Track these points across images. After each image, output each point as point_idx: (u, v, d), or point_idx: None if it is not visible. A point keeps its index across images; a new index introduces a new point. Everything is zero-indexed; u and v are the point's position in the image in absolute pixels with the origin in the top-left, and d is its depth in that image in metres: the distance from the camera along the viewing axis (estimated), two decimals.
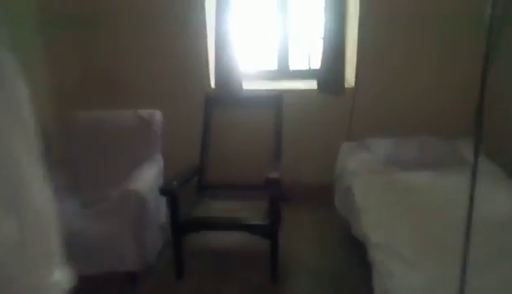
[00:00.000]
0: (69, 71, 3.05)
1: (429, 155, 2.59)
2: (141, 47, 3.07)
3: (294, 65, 3.35)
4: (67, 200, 2.44)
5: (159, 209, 2.53)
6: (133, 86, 3.12)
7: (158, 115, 2.71)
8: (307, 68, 3.36)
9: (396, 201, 2.11)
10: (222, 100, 2.93)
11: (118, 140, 2.65)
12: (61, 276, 1.04)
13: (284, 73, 3.32)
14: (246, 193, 2.57)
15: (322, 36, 2.96)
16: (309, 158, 3.14)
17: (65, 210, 2.34)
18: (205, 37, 3.04)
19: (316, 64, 3.13)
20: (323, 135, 3.10)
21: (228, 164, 2.74)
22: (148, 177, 2.43)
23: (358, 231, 2.16)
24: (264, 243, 2.18)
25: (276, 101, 2.77)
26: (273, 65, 3.34)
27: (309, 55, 3.34)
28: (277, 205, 2.17)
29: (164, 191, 2.11)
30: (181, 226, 2.20)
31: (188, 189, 2.46)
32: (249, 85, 3.12)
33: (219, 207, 2.41)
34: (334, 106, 3.05)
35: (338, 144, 2.92)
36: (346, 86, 3.06)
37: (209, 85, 3.13)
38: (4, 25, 2.15)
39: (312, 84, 3.11)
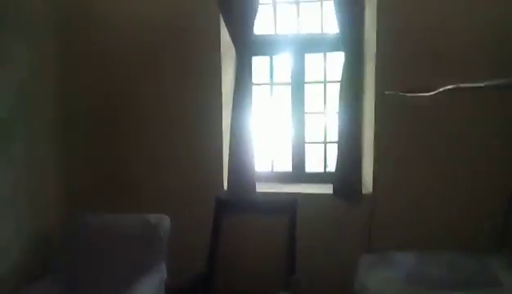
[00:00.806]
0: (81, 175, 3.03)
1: (458, 274, 2.35)
2: (153, 150, 3.07)
3: (310, 168, 3.27)
4: None
5: None
6: (143, 189, 3.07)
7: (166, 220, 2.61)
8: (322, 171, 3.27)
9: None
10: (234, 202, 2.81)
11: (122, 246, 2.53)
12: None
13: (299, 175, 3.23)
14: None
15: (337, 139, 2.92)
16: (325, 268, 2.90)
17: None
18: (220, 136, 3.03)
19: (332, 167, 3.05)
20: (340, 244, 2.90)
21: (237, 272, 2.54)
22: (149, 291, 2.24)
23: None
24: None
25: (290, 207, 2.63)
26: (288, 167, 3.27)
27: (325, 158, 3.27)
28: None
29: None
30: None
31: None
32: (262, 187, 3.03)
33: None
34: (352, 213, 2.89)
35: (356, 254, 2.70)
36: (364, 192, 2.92)
37: (222, 187, 3.05)
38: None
39: (328, 188, 3.00)
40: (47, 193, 2.74)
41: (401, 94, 2.52)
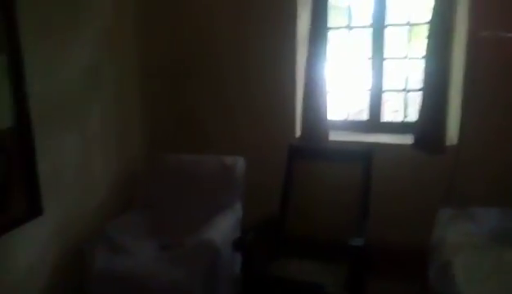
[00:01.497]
0: (161, 117, 3.18)
1: None
2: (228, 94, 3.10)
3: (387, 117, 3.13)
4: (147, 241, 2.47)
5: (234, 260, 2.43)
6: (218, 132, 3.15)
7: (241, 162, 2.67)
8: (400, 120, 3.11)
9: (505, 290, 1.76)
10: (307, 150, 2.80)
11: (200, 186, 2.65)
12: None
13: (375, 124, 3.11)
14: (327, 254, 2.36)
15: (422, 86, 2.73)
16: (399, 221, 2.83)
17: (144, 251, 2.36)
18: (294, 84, 2.98)
19: (412, 117, 2.88)
20: (416, 197, 2.79)
21: (309, 219, 2.57)
22: (225, 227, 2.36)
23: None
24: None
25: (366, 156, 2.55)
26: (363, 116, 3.15)
27: (404, 106, 3.10)
28: (360, 276, 1.93)
29: (238, 246, 2.01)
30: (253, 285, 2.06)
31: (264, 241, 2.33)
32: (336, 136, 2.97)
33: (296, 267, 2.23)
34: (431, 165, 2.75)
35: (433, 209, 2.59)
36: (447, 143, 2.74)
37: (294, 134, 3.04)
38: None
39: (406, 139, 2.86)
40: (133, 134, 2.94)
41: (499, 35, 2.26)
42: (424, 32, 2.73)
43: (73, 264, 2.31)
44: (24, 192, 1.98)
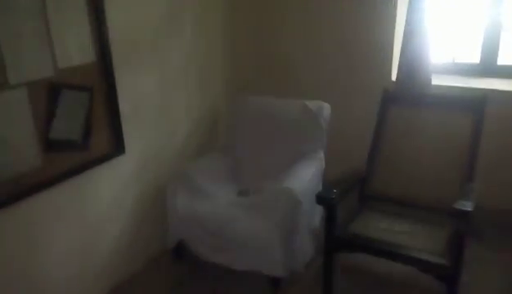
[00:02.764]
0: (243, 55, 3.01)
1: None
2: (317, 33, 2.80)
3: (504, 60, 2.62)
4: (226, 185, 2.41)
5: (314, 212, 2.28)
6: (303, 73, 2.90)
7: (326, 108, 2.44)
8: None
9: None
10: (404, 96, 2.44)
11: (282, 131, 2.49)
12: None
13: (489, 68, 2.62)
14: (420, 215, 2.10)
15: None
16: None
17: (222, 195, 2.31)
18: (393, 21, 2.59)
19: None
20: None
21: (401, 175, 2.26)
22: (306, 176, 2.19)
23: None
24: (436, 284, 1.72)
25: (477, 105, 2.15)
26: (475, 58, 2.67)
27: None
28: (463, 243, 1.66)
29: (322, 200, 1.83)
30: (335, 242, 1.89)
31: (348, 195, 2.13)
32: (440, 80, 2.57)
33: (382, 226, 2.01)
34: None
35: None
36: None
37: (390, 78, 2.69)
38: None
39: None
40: (215, 73, 2.81)
41: None
42: None
43: (154, 201, 2.34)
44: (107, 130, 1.98)
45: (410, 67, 2.54)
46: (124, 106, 2.07)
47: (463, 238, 1.65)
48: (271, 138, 2.50)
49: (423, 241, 1.87)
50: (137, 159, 2.23)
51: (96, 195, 2.02)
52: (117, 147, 2.03)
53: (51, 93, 1.70)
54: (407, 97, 2.43)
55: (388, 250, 1.80)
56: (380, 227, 2.00)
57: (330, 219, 1.84)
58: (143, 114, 2.24)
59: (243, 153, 2.55)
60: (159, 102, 2.34)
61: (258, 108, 2.58)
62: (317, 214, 2.32)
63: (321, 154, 2.41)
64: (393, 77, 2.68)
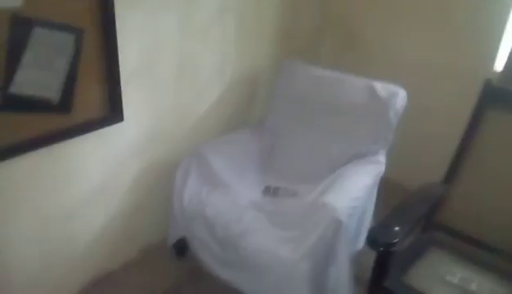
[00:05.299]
0: (304, 11, 2.35)
1: None
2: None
3: None
4: (251, 177, 1.89)
5: (359, 233, 1.73)
6: (374, 46, 2.24)
7: (401, 97, 1.80)
8: None
9: None
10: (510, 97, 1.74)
11: (335, 118, 1.90)
12: None
13: None
14: (508, 269, 1.49)
15: None
16: None
17: (243, 191, 1.79)
18: None
19: None
20: None
21: (492, 206, 1.63)
22: (357, 188, 1.61)
23: None
24: None
25: None
26: None
27: None
28: None
29: (376, 244, 1.26)
30: None
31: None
32: None
33: (452, 279, 1.41)
34: None
35: None
36: None
37: (492, 66, 1.97)
38: None
39: None
40: (263, 27, 2.16)
41: None
42: None
43: (157, 185, 1.87)
44: (99, 88, 1.47)
45: None
46: (127, 56, 1.52)
47: None
48: (320, 125, 1.91)
49: None
50: (140, 130, 1.72)
51: (76, 173, 1.55)
52: (113, 112, 1.53)
53: (16, 31, 1.21)
54: None
55: None
56: (449, 281, 1.42)
57: (380, 270, 1.28)
58: (154, 69, 1.68)
59: (279, 139, 1.99)
60: (178, 54, 1.75)
61: (309, 82, 1.98)
62: (363, 234, 1.76)
63: (383, 158, 1.81)
64: (499, 66, 1.97)
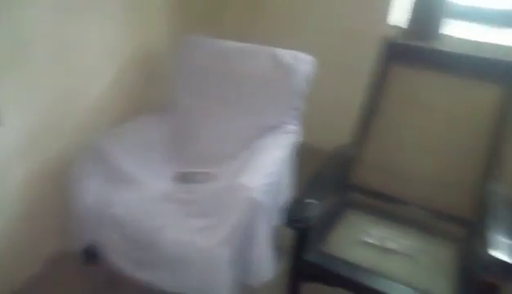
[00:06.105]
0: None
1: None
2: None
3: None
4: (159, 166, 1.74)
5: (280, 206, 1.69)
6: (277, 15, 2.16)
7: (307, 63, 1.75)
8: None
9: None
10: (413, 50, 1.77)
11: (242, 90, 1.81)
12: None
13: None
14: (423, 221, 1.56)
15: None
16: None
17: (152, 182, 1.65)
18: None
19: None
20: None
21: (399, 161, 1.68)
22: (272, 163, 1.56)
23: None
24: None
25: (510, 74, 1.55)
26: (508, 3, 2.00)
27: None
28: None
29: (296, 223, 1.21)
30: (302, 269, 1.33)
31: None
32: (455, 29, 1.91)
33: (370, 240, 1.44)
34: None
35: None
36: None
37: (385, 21, 2.01)
38: None
39: None
40: (152, 7, 1.98)
41: None
42: None
43: (51, 188, 1.66)
44: None
45: (423, 8, 1.87)
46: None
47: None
48: (229, 101, 1.82)
49: (426, 273, 1.33)
50: (22, 131, 1.50)
51: None
52: None
53: None
54: (416, 52, 1.76)
55: (373, 291, 1.24)
56: (367, 242, 1.44)
57: (299, 245, 1.26)
58: (27, 63, 1.46)
59: (188, 120, 1.86)
60: (55, 41, 1.53)
61: (211, 55, 1.86)
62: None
63: (297, 126, 1.77)
64: (396, 21, 2.00)
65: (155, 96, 2.04)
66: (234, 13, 2.29)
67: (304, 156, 1.78)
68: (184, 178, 1.70)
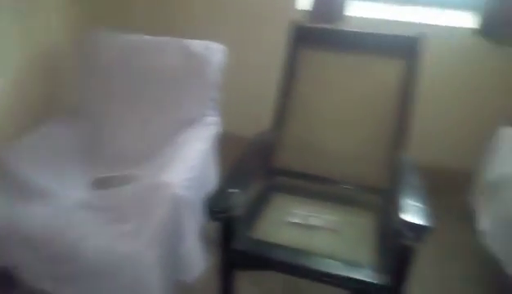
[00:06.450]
0: None
1: None
2: None
3: None
4: (73, 174, 1.64)
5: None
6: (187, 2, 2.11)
7: (219, 51, 1.73)
8: None
9: None
10: (318, 32, 1.83)
11: (155, 85, 1.75)
12: None
13: None
14: (342, 195, 1.63)
15: None
16: (448, 143, 2.07)
17: (66, 192, 1.54)
18: None
19: None
20: (476, 111, 1.99)
21: (315, 141, 1.73)
22: (193, 156, 1.54)
23: None
24: None
25: (410, 47, 1.65)
26: None
27: None
28: (409, 260, 1.21)
29: (215, 214, 1.20)
30: (232, 258, 1.33)
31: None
32: (358, 9, 2.01)
33: (295, 219, 1.47)
34: (502, 62, 1.89)
35: (493, 126, 1.82)
36: None
37: (293, 5, 2.05)
38: None
39: (466, 18, 1.93)
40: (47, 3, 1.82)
41: None
42: None
43: None
44: None
45: None
46: None
47: (409, 255, 1.18)
48: (143, 98, 1.75)
49: (349, 244, 1.39)
50: None
51: None
52: None
53: None
54: (321, 34, 1.82)
55: (303, 269, 1.28)
56: (292, 222, 1.47)
57: (226, 236, 1.25)
58: None
59: (102, 122, 1.77)
60: None
61: (118, 51, 1.77)
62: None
63: (215, 118, 1.75)
64: (301, 5, 2.05)
65: (63, 100, 1.90)
66: (143, 3, 2.19)
67: (227, 145, 1.77)
68: (103, 183, 1.61)
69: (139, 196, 1.41)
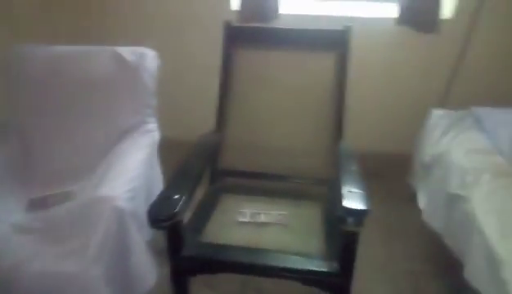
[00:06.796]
0: None
1: None
2: None
3: None
4: (7, 195, 1.53)
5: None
6: (115, 7, 2.05)
7: (151, 57, 1.69)
8: None
9: None
10: (251, 31, 1.84)
11: (88, 97, 1.67)
12: None
13: None
14: (288, 189, 1.66)
15: None
16: (381, 129, 2.16)
17: (1, 217, 1.44)
18: None
19: None
20: (403, 96, 2.09)
21: (257, 140, 1.74)
22: (133, 167, 1.49)
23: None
24: None
25: (338, 40, 1.70)
26: None
27: None
28: (355, 246, 1.24)
29: (158, 223, 1.17)
30: (182, 265, 1.30)
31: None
32: (290, 8, 2.05)
33: (244, 219, 1.48)
34: (423, 47, 2.00)
35: (423, 109, 1.93)
36: (442, 17, 1.97)
37: (228, 6, 2.05)
38: None
39: (390, 9, 2.03)
40: None
41: None
42: None
43: None
44: None
45: None
46: None
47: (354, 242, 1.22)
48: (75, 110, 1.67)
49: (299, 236, 1.41)
50: None
51: None
52: None
53: None
54: (254, 33, 1.83)
55: (255, 266, 1.29)
56: (242, 221, 1.47)
57: (173, 245, 1.22)
58: None
59: (33, 140, 1.67)
60: None
61: (45, 64, 1.68)
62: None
63: (153, 125, 1.71)
64: (234, 5, 2.06)
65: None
66: (64, 16, 2.10)
67: (171, 151, 1.74)
68: (40, 204, 1.52)
69: (79, 213, 1.34)
